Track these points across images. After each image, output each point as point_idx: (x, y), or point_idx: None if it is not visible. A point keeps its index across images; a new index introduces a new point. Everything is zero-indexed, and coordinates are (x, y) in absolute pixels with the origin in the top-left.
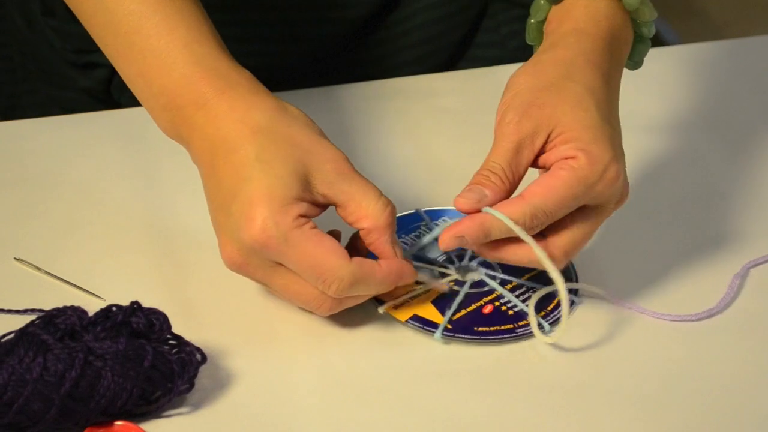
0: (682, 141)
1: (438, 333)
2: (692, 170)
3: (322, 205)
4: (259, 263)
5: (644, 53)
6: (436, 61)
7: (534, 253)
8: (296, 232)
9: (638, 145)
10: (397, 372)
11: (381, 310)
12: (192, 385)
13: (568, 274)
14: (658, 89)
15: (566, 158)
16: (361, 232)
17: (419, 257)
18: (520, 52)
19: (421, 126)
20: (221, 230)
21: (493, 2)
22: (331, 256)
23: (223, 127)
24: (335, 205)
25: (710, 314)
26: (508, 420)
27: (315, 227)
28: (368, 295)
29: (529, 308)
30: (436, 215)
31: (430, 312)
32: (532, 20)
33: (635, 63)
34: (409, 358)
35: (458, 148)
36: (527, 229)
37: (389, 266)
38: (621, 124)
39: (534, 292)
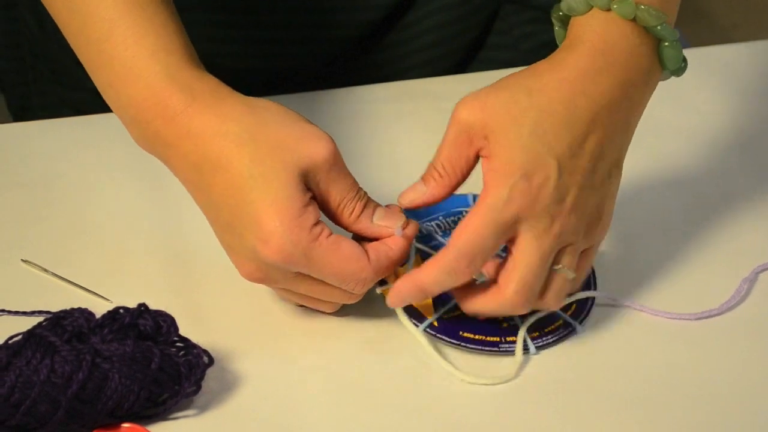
0: (689, 145)
1: (421, 328)
2: (701, 173)
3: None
4: (280, 275)
5: (675, 58)
6: (447, 63)
7: (488, 299)
8: (314, 246)
9: (647, 148)
10: (405, 376)
11: (378, 290)
12: (199, 388)
13: (588, 283)
14: (666, 93)
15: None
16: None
17: (429, 251)
18: (532, 54)
19: (430, 129)
20: (232, 251)
21: (504, 4)
22: (353, 264)
23: (201, 144)
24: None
25: (710, 315)
26: (508, 420)
27: (330, 233)
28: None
29: (521, 328)
30: None
31: (425, 306)
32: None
33: (672, 72)
34: (417, 362)
35: None
36: (459, 274)
37: (398, 244)
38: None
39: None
